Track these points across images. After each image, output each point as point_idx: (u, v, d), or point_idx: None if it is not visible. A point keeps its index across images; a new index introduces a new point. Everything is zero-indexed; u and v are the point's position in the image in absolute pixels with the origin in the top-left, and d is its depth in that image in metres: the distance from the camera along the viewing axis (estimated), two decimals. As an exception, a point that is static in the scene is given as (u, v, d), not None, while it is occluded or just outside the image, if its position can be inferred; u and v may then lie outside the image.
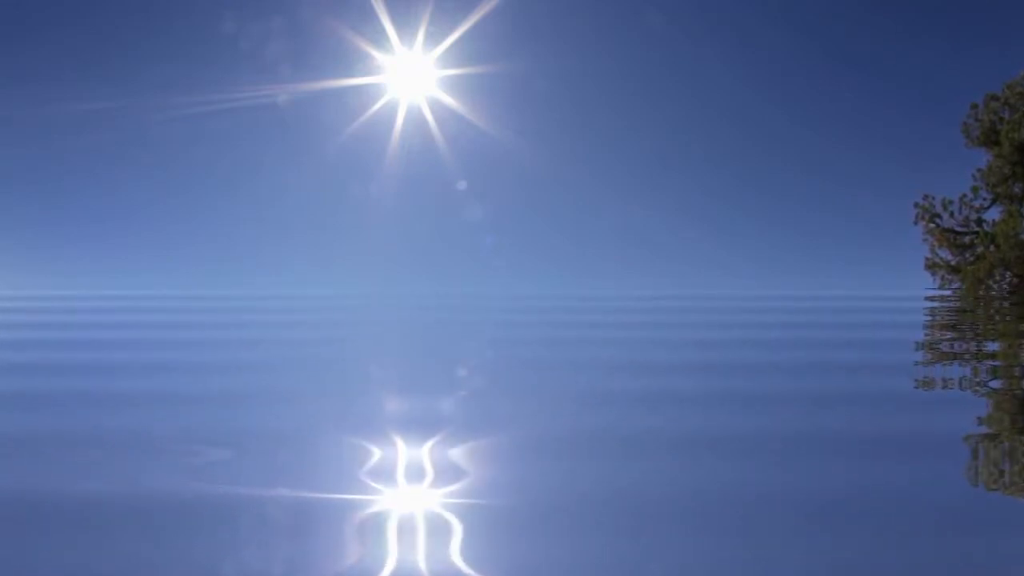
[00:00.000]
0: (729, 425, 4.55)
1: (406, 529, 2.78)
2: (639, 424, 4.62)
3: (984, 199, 22.93)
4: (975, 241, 22.59)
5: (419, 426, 4.39)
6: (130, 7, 25.87)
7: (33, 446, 3.93)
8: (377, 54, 19.92)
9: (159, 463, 3.62)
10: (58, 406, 5.05)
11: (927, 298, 20.06)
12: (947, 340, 9.90)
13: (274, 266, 27.83)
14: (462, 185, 22.44)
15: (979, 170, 22.99)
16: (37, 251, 27.67)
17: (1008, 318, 13.84)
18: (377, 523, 2.85)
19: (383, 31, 19.40)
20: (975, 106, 22.99)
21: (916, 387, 5.96)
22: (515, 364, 7.76)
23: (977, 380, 6.23)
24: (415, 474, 3.42)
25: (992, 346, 9.19)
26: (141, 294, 23.53)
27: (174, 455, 3.76)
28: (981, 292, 21.73)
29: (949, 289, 22.60)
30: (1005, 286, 22.03)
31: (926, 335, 10.95)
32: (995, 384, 6.12)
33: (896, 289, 23.84)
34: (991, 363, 7.46)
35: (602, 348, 9.12)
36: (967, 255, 22.63)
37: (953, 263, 22.76)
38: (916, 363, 7.59)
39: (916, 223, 22.76)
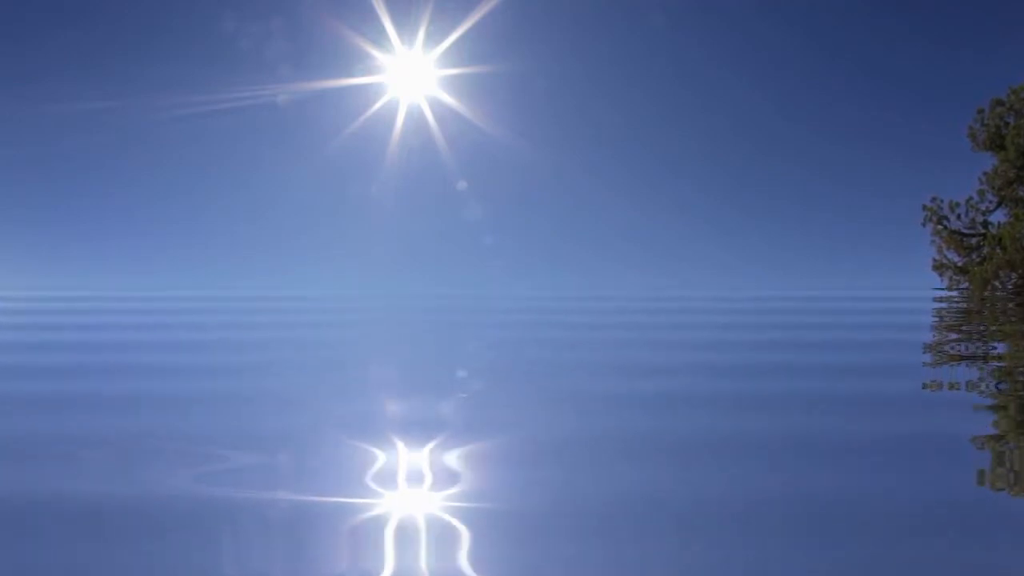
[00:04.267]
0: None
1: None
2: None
3: (990, 202, 22.87)
4: (981, 243, 22.53)
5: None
6: (130, 7, 25.82)
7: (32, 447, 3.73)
8: (377, 54, 19.80)
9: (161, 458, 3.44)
10: (54, 405, 4.89)
11: (935, 289, 20.28)
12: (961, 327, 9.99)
13: (274, 265, 27.70)
14: (462, 185, 22.29)
15: (985, 173, 22.93)
16: (37, 251, 27.54)
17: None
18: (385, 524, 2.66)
19: (383, 31, 19.28)
20: (981, 111, 22.97)
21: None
22: (535, 355, 7.83)
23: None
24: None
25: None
26: (140, 292, 23.43)
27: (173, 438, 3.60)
28: (987, 292, 21.66)
29: (957, 290, 22.54)
30: (1010, 286, 21.97)
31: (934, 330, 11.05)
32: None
33: (904, 288, 23.80)
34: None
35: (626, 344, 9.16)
36: (974, 256, 22.58)
37: (960, 264, 22.73)
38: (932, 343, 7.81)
39: (924, 225, 22.81)
